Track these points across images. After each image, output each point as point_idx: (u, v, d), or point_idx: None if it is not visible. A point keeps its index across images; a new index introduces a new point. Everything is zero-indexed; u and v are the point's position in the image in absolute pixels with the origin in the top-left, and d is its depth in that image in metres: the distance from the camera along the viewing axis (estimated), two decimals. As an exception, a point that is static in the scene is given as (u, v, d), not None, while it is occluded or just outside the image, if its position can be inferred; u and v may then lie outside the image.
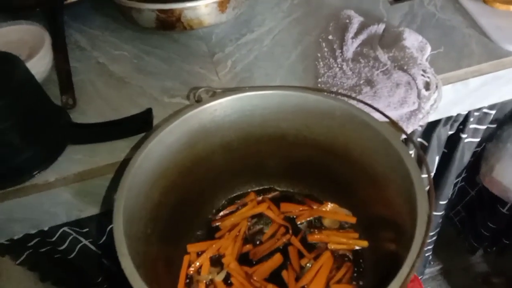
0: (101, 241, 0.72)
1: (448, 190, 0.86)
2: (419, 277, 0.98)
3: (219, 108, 0.50)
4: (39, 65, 0.62)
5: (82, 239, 0.70)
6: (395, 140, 0.43)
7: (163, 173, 0.48)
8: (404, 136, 0.54)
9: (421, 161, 0.42)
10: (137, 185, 0.44)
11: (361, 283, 0.51)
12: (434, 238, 0.99)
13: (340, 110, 0.47)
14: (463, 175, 0.93)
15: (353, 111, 0.46)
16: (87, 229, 0.67)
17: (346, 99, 0.50)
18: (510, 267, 1.17)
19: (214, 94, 0.49)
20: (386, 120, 0.47)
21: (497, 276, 1.14)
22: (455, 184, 0.93)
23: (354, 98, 0.51)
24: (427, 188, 0.40)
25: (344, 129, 0.48)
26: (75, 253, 0.71)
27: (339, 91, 0.57)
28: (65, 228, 0.66)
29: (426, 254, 1.03)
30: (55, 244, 0.67)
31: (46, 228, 0.63)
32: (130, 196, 0.42)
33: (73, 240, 0.69)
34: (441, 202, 0.88)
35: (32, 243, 0.66)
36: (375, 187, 0.49)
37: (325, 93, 0.47)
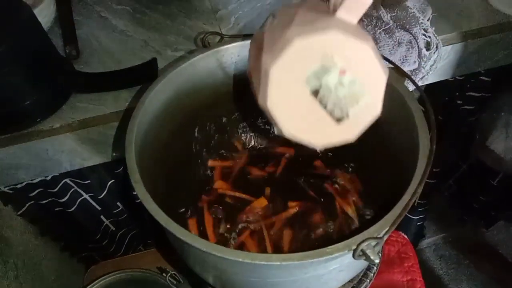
0: (101, 196, 0.72)
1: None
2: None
3: (226, 54, 0.50)
4: (43, 15, 0.62)
5: (83, 192, 0.71)
6: (398, 84, 0.44)
7: (170, 116, 0.49)
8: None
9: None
10: (146, 122, 0.45)
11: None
12: (426, 207, 1.01)
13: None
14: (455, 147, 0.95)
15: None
16: (89, 181, 0.68)
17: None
18: (498, 239, 1.20)
19: (222, 40, 0.50)
20: (390, 66, 0.48)
21: (484, 248, 1.18)
22: (447, 155, 0.95)
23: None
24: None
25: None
26: (75, 207, 0.72)
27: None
28: (67, 180, 0.67)
29: (418, 223, 1.05)
30: (56, 196, 0.68)
31: (49, 178, 0.64)
32: (140, 130, 0.43)
33: (74, 193, 0.70)
34: (434, 170, 0.91)
35: (34, 193, 0.66)
36: (377, 135, 0.50)
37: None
